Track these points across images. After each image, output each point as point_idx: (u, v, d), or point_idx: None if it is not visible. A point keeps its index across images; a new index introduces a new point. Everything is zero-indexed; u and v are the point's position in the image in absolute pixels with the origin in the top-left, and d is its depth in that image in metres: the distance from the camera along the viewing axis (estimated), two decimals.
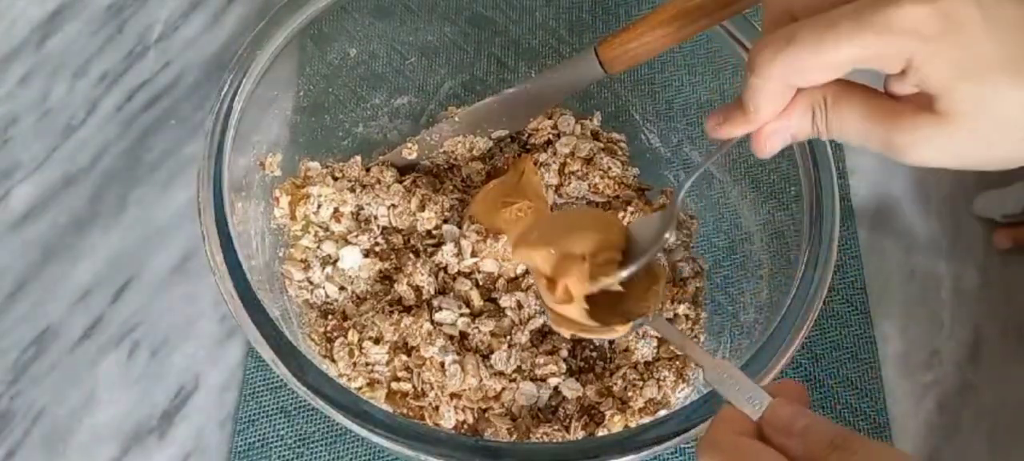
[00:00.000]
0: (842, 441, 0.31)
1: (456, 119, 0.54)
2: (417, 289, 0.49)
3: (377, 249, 0.52)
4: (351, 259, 0.50)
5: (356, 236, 0.51)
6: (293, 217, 0.51)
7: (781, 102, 0.34)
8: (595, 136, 0.56)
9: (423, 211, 0.52)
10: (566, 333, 0.45)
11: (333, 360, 0.48)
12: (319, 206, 0.51)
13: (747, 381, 0.35)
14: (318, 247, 0.51)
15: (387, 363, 0.47)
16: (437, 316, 0.48)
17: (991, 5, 0.30)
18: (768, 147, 0.35)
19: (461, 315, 0.49)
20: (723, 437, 0.33)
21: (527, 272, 0.49)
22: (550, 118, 0.56)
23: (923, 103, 0.31)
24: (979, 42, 0.30)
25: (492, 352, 0.48)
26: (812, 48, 0.31)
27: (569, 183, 0.53)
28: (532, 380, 0.47)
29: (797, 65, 0.32)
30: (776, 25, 0.33)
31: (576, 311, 0.43)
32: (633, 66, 0.47)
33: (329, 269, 0.51)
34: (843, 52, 0.31)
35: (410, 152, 0.54)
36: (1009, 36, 0.30)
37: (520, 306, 0.49)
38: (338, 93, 0.55)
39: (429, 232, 0.52)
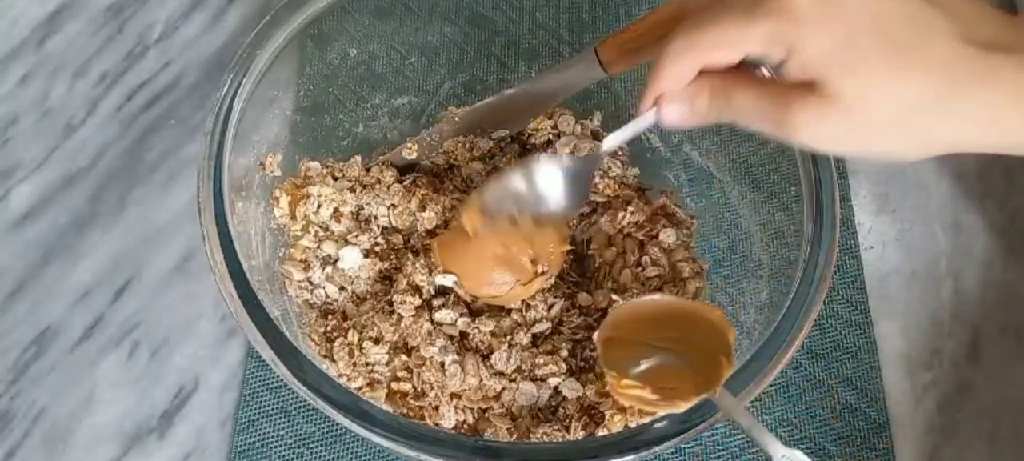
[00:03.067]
0: None
1: (456, 119, 0.54)
2: (417, 289, 0.49)
3: (377, 249, 0.52)
4: (351, 259, 0.50)
5: (356, 236, 0.51)
6: (293, 217, 0.51)
7: (680, 76, 0.36)
8: (595, 136, 0.56)
9: (423, 211, 0.52)
10: (625, 403, 0.44)
11: (333, 360, 0.48)
12: (319, 206, 0.51)
13: None
14: (318, 247, 0.51)
15: (387, 363, 0.47)
16: (437, 316, 0.48)
17: None
18: (667, 114, 0.38)
19: (461, 315, 0.49)
20: None
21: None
22: (550, 118, 0.56)
23: (812, 87, 0.33)
24: (860, 30, 0.32)
25: (492, 352, 0.48)
26: (707, 29, 0.35)
27: None
28: (532, 380, 0.47)
29: (692, 43, 0.35)
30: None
31: (638, 389, 0.42)
32: (633, 67, 0.47)
33: (329, 269, 0.51)
34: (731, 31, 0.34)
35: (410, 152, 0.54)
36: (892, 27, 0.32)
37: (527, 308, 0.49)
38: (338, 93, 0.55)
39: (429, 232, 0.52)
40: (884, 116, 0.32)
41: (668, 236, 0.52)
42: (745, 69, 0.36)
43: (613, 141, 0.43)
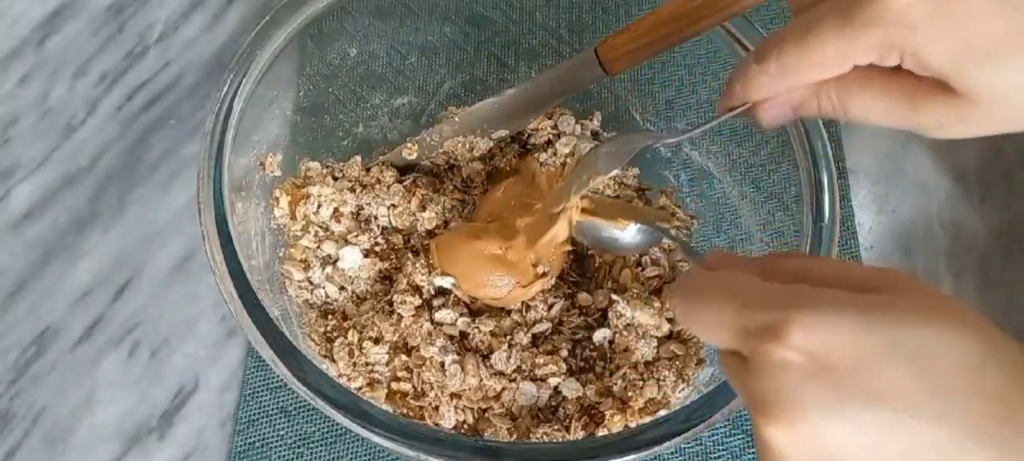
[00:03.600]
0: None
1: (456, 119, 0.54)
2: (417, 289, 0.49)
3: (377, 249, 0.52)
4: (351, 259, 0.50)
5: (356, 236, 0.51)
6: (293, 217, 0.51)
7: (773, 92, 0.34)
8: (595, 136, 0.56)
9: (424, 211, 0.52)
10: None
11: (333, 360, 0.48)
12: (319, 206, 0.51)
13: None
14: (318, 247, 0.51)
15: (387, 363, 0.47)
16: (437, 316, 0.48)
17: None
18: (768, 117, 0.35)
19: (461, 315, 0.49)
20: (692, 274, 0.32)
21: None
22: (550, 118, 0.56)
23: (942, 87, 0.30)
24: (983, 20, 0.28)
25: (492, 352, 0.48)
26: (797, 52, 0.31)
27: None
28: (532, 380, 0.47)
29: (787, 70, 0.32)
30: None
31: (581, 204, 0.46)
32: (633, 67, 0.47)
33: (329, 269, 0.51)
34: (830, 51, 0.30)
35: (410, 152, 0.54)
36: (1018, 8, 0.28)
37: (527, 309, 0.49)
38: (338, 93, 0.55)
39: (429, 232, 0.52)
40: None
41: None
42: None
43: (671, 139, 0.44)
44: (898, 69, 0.31)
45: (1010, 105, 0.29)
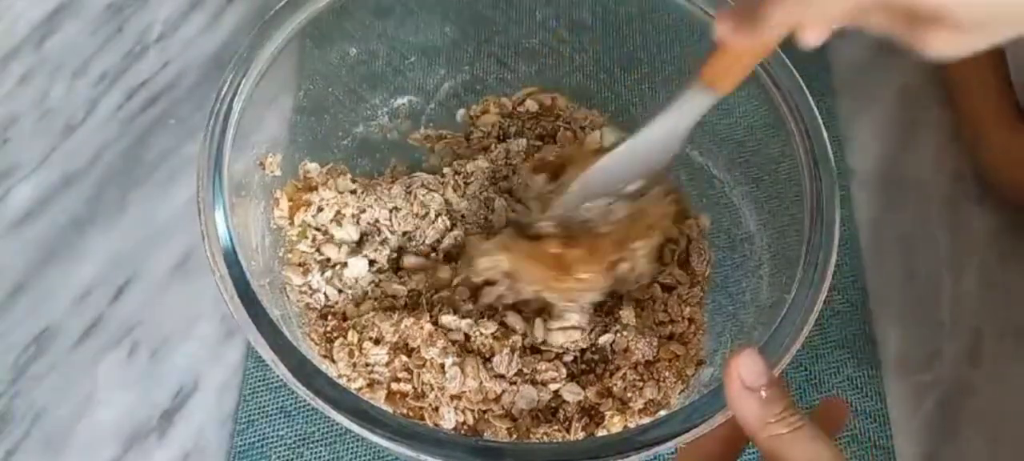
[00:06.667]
0: None
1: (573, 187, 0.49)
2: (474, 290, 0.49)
3: (382, 259, 0.51)
4: (357, 268, 0.50)
5: (374, 249, 0.51)
6: (291, 222, 0.51)
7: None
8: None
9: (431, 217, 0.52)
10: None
11: (333, 360, 0.48)
12: (320, 210, 0.51)
13: None
14: (316, 251, 0.51)
15: (387, 364, 0.47)
16: (441, 319, 0.48)
17: None
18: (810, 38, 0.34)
19: (464, 318, 0.49)
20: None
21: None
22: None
23: (938, 21, 0.31)
24: None
25: (493, 355, 0.48)
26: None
27: None
28: (532, 383, 0.47)
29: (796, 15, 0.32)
30: None
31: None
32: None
33: (329, 272, 0.51)
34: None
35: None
36: None
37: (529, 320, 0.49)
38: (338, 93, 0.55)
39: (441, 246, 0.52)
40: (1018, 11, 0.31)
41: None
42: None
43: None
44: None
45: (1000, 18, 0.31)
